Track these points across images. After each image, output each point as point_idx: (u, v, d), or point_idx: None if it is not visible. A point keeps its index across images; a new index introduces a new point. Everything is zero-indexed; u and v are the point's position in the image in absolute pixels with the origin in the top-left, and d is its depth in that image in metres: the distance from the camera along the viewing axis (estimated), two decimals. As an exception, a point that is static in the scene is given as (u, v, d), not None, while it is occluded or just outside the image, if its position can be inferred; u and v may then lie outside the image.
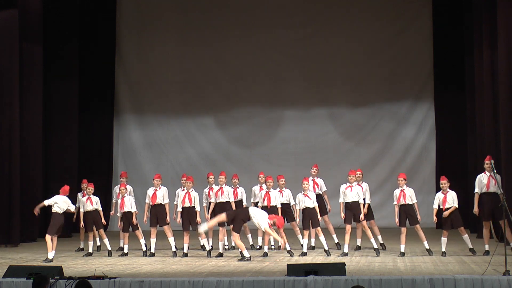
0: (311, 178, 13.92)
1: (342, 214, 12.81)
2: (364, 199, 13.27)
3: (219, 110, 20.83)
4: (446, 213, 12.21)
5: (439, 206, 12.35)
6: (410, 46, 20.10)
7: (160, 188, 13.21)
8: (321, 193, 13.90)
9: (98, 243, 13.95)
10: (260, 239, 14.10)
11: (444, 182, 12.39)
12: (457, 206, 12.26)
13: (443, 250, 12.25)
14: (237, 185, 14.09)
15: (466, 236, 12.25)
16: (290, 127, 20.62)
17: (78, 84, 19.25)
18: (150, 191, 13.23)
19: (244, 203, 14.00)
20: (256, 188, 14.07)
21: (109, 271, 10.47)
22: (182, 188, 13.44)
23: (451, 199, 12.26)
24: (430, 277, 8.93)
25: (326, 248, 12.66)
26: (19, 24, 16.09)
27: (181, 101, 20.92)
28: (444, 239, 12.29)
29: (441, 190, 12.40)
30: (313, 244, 13.72)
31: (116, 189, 14.65)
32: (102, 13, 20.60)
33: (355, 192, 12.69)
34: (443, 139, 19.63)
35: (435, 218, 12.45)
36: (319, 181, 14.03)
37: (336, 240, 13.78)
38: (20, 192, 15.92)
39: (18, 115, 16.04)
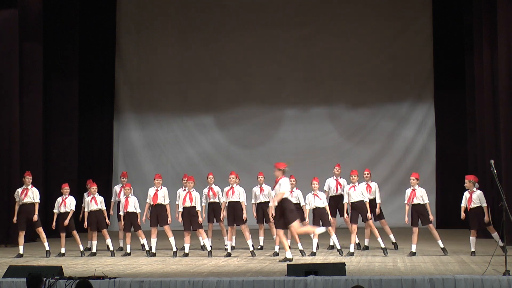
0: (334, 178, 13.72)
1: (346, 215, 12.77)
2: (374, 199, 13.22)
3: (219, 110, 20.83)
4: (486, 219, 12.00)
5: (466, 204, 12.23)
6: (410, 46, 20.07)
7: (161, 188, 13.21)
8: (343, 193, 13.27)
9: (108, 243, 13.86)
10: (261, 239, 14.10)
11: (469, 181, 12.21)
12: (485, 205, 12.12)
13: (472, 249, 12.03)
14: (238, 185, 14.03)
15: (495, 234, 11.98)
16: (290, 127, 20.60)
17: (78, 84, 19.23)
18: (151, 191, 13.22)
19: (245, 204, 13.95)
20: (256, 189, 14.02)
21: (109, 271, 10.46)
22: (183, 188, 13.42)
23: (477, 199, 12.12)
24: (430, 277, 8.92)
25: (339, 247, 12.62)
26: (19, 24, 16.07)
27: (181, 101, 20.93)
28: (472, 239, 12.08)
29: (467, 190, 12.22)
30: (331, 243, 13.38)
31: (117, 188, 14.65)
32: (102, 13, 20.60)
33: (358, 191, 12.64)
34: (443, 139, 19.60)
35: (463, 214, 12.21)
36: (342, 181, 13.66)
37: (357, 240, 13.35)
38: (20, 192, 15.87)
39: (18, 115, 16.02)
